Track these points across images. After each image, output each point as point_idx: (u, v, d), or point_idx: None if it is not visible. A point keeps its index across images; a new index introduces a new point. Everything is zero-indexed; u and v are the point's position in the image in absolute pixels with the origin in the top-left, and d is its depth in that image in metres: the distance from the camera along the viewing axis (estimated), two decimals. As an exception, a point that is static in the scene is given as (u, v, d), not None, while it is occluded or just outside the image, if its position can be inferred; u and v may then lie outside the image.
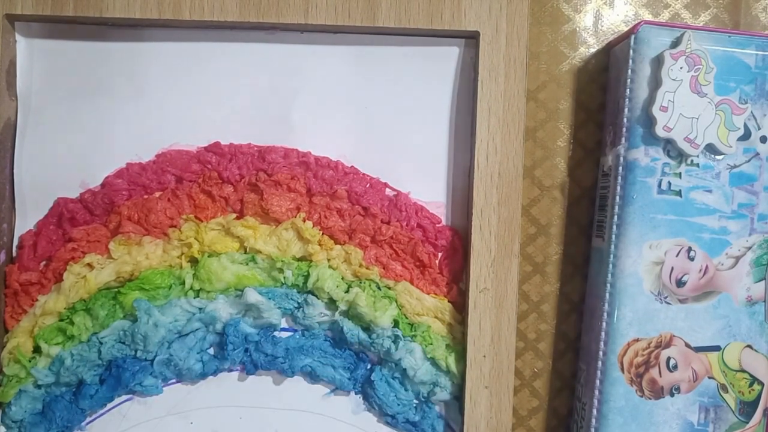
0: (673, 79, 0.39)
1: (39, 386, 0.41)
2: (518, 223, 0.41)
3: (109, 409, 0.42)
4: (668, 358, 0.41)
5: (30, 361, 0.41)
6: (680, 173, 0.41)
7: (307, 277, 0.42)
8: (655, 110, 0.40)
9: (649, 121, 0.40)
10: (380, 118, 0.43)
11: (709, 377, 0.42)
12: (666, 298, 0.41)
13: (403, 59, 0.43)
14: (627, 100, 0.41)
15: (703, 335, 0.41)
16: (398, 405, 0.43)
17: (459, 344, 0.43)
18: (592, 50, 0.45)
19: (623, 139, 0.41)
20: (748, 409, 0.42)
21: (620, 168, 0.41)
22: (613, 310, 0.41)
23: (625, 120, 0.41)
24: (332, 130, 0.43)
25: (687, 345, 0.41)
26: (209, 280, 0.42)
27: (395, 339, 0.42)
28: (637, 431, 0.41)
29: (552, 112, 0.45)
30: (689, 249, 0.41)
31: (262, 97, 0.43)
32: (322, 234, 0.43)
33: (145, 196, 0.42)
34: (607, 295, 0.41)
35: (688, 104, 0.40)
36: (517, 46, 0.41)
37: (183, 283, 0.42)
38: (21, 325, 0.41)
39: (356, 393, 0.44)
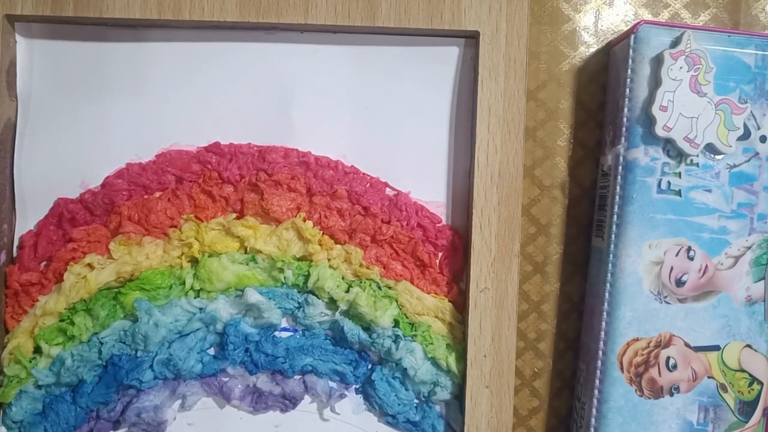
0: (673, 79, 0.40)
1: (39, 387, 0.41)
2: (518, 223, 0.41)
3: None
4: (668, 358, 0.41)
5: (30, 362, 0.41)
6: (680, 173, 0.41)
7: (307, 276, 0.42)
8: (655, 110, 0.40)
9: (649, 121, 0.40)
10: (380, 118, 0.43)
11: (709, 377, 0.42)
12: (665, 297, 0.41)
13: (403, 59, 0.43)
14: (627, 99, 0.41)
15: (702, 335, 0.41)
16: (399, 405, 0.43)
17: (459, 344, 0.43)
18: (592, 50, 0.45)
19: (623, 139, 0.41)
20: (747, 408, 0.42)
21: (620, 167, 0.41)
22: (612, 310, 0.41)
23: (624, 119, 0.41)
24: (332, 130, 0.43)
25: (686, 344, 0.41)
26: (209, 280, 0.42)
27: (396, 339, 0.42)
28: (636, 431, 0.41)
29: (552, 111, 0.45)
30: (689, 248, 0.41)
31: (262, 97, 0.43)
32: (323, 234, 0.43)
33: (146, 196, 0.42)
34: (607, 294, 0.41)
35: (688, 104, 0.40)
36: (517, 45, 0.41)
37: (183, 283, 0.42)
38: (21, 326, 0.41)
39: (357, 393, 0.44)
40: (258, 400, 0.43)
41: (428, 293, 0.43)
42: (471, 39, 0.42)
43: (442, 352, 0.42)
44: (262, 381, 0.43)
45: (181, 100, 0.43)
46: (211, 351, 0.43)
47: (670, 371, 0.41)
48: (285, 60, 0.43)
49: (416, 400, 0.43)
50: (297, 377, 0.43)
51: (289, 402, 0.43)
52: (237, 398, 0.43)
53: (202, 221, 0.42)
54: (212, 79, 0.43)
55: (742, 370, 0.42)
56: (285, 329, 0.43)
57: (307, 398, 0.44)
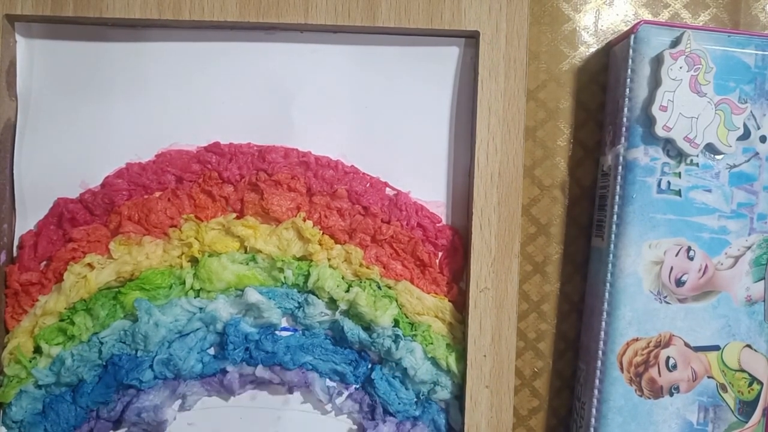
0: (673, 79, 0.40)
1: (39, 386, 0.41)
2: (518, 223, 0.41)
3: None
4: (668, 358, 0.41)
5: (30, 362, 0.41)
6: (680, 173, 0.41)
7: (307, 276, 0.42)
8: (655, 110, 0.40)
9: (649, 121, 0.40)
10: (380, 117, 0.43)
11: (709, 377, 0.42)
12: (665, 297, 0.41)
13: (403, 59, 0.43)
14: (627, 99, 0.41)
15: (702, 335, 0.41)
16: (399, 404, 0.43)
17: (459, 344, 0.43)
18: (592, 50, 0.45)
19: (623, 139, 0.41)
20: (747, 408, 0.42)
21: (620, 167, 0.41)
22: (612, 310, 0.41)
23: (624, 119, 0.41)
24: (332, 130, 0.43)
25: (686, 344, 0.41)
26: (209, 280, 0.42)
27: (396, 338, 0.42)
28: (636, 431, 0.41)
29: (552, 111, 0.45)
30: (689, 248, 0.41)
31: (262, 97, 0.43)
32: (323, 233, 0.43)
33: (146, 196, 0.42)
34: (607, 294, 0.41)
35: (688, 104, 0.40)
36: (517, 45, 0.41)
37: (183, 283, 0.42)
38: (21, 326, 0.41)
39: (357, 391, 0.44)
40: (257, 389, 0.43)
41: (428, 293, 0.43)
42: (471, 39, 0.42)
43: (442, 351, 0.42)
44: (261, 370, 0.42)
45: (181, 100, 0.43)
46: (211, 351, 0.43)
47: (670, 371, 0.41)
48: (285, 60, 0.43)
49: (416, 400, 0.43)
50: (297, 369, 0.43)
51: (288, 390, 0.43)
52: (237, 388, 0.43)
53: (202, 221, 0.42)
54: (212, 79, 0.43)
55: (742, 370, 0.42)
56: (285, 329, 0.43)
57: (306, 397, 0.44)
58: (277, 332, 0.43)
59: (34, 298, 0.41)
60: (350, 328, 0.42)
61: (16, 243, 0.42)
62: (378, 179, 0.43)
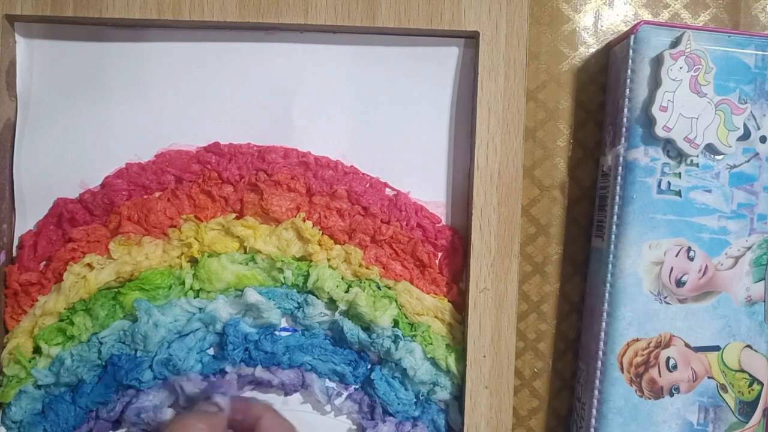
0: (673, 79, 0.39)
1: (39, 387, 0.41)
2: (518, 223, 0.41)
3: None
4: (668, 358, 0.41)
5: (30, 362, 0.41)
6: (680, 173, 0.41)
7: (307, 277, 0.42)
8: (655, 110, 0.40)
9: (649, 121, 0.40)
10: (380, 117, 0.43)
11: (709, 377, 0.42)
12: (665, 298, 0.41)
13: (402, 59, 0.43)
14: (627, 100, 0.41)
15: (702, 335, 0.41)
16: (398, 404, 0.43)
17: (459, 344, 0.43)
18: (592, 50, 0.45)
19: (623, 139, 0.41)
20: (747, 409, 0.42)
21: (620, 168, 0.41)
22: (612, 310, 0.41)
23: (624, 120, 0.41)
24: (332, 130, 0.43)
25: (686, 345, 0.41)
26: (209, 280, 0.42)
27: (395, 339, 0.42)
28: (636, 431, 0.41)
29: (552, 112, 0.45)
30: (689, 249, 0.41)
31: (262, 97, 0.43)
32: (322, 234, 0.43)
33: (145, 196, 0.42)
34: (607, 294, 0.41)
35: (688, 104, 0.40)
36: (517, 46, 0.41)
37: (183, 283, 0.42)
38: (21, 326, 0.41)
39: (356, 392, 0.44)
40: (257, 389, 0.43)
41: (428, 293, 0.43)
42: (471, 39, 0.42)
43: (441, 352, 0.42)
44: (260, 371, 0.42)
45: (181, 100, 0.43)
46: (211, 351, 0.43)
47: (670, 372, 0.41)
48: (285, 60, 0.43)
49: (416, 400, 0.43)
50: (296, 369, 0.43)
51: (285, 391, 0.43)
52: (236, 389, 0.43)
53: (202, 221, 0.42)
54: (212, 79, 0.43)
55: (742, 371, 0.42)
56: (284, 329, 0.43)
57: (306, 397, 0.44)
58: (276, 332, 0.43)
59: (34, 299, 0.41)
60: (350, 328, 0.42)
61: (15, 243, 0.42)
62: (378, 179, 0.43)
